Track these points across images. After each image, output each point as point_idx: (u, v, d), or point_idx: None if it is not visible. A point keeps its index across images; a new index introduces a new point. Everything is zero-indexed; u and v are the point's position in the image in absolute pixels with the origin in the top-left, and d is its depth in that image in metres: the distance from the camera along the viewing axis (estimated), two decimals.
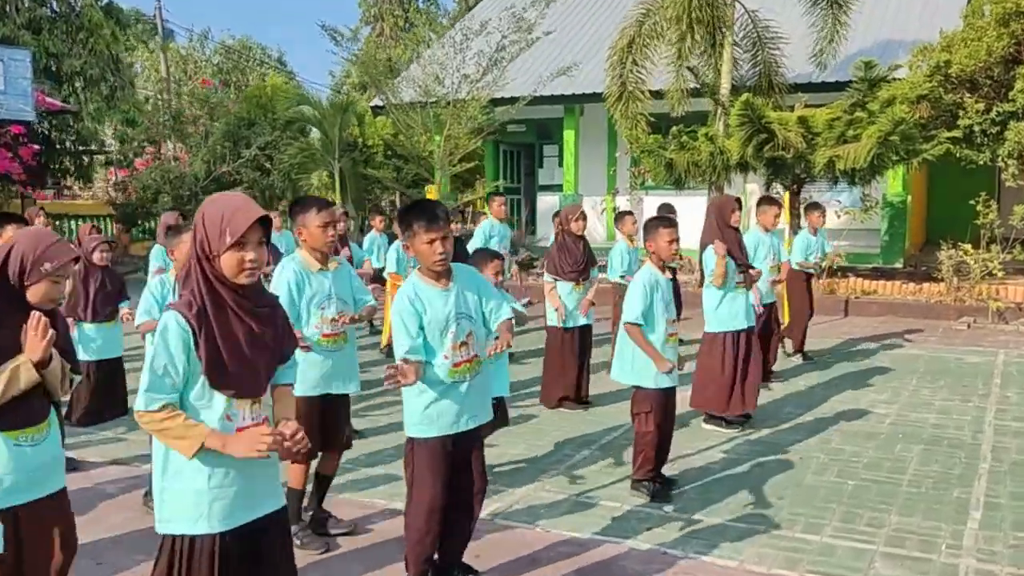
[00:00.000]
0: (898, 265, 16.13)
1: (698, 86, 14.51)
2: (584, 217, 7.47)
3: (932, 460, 5.97)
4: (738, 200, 6.80)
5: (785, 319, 9.92)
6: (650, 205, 18.23)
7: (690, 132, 13.58)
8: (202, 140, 16.76)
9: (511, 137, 22.10)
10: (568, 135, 19.67)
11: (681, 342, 5.38)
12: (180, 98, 18.94)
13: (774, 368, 8.45)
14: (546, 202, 20.77)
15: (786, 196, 12.83)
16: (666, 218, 5.35)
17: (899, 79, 13.24)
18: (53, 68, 16.56)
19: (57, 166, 17.94)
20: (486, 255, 5.13)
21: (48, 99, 14.88)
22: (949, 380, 8.40)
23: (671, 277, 5.30)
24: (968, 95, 12.93)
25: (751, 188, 15.84)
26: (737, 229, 6.73)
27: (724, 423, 6.72)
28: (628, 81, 14.84)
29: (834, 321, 12.25)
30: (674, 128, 13.84)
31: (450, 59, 15.18)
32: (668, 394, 5.18)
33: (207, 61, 40.66)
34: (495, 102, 16.95)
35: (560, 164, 20.42)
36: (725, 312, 6.60)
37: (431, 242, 3.57)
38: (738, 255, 6.68)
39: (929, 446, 6.29)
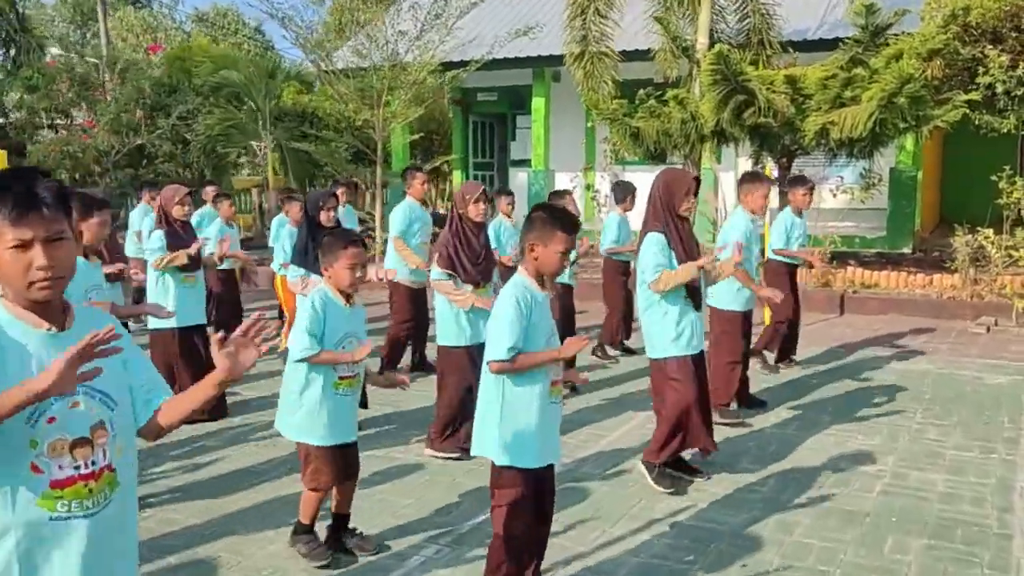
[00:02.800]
0: (906, 250, 14.03)
1: (668, 40, 12.32)
2: (485, 199, 5.46)
3: (938, 570, 3.95)
4: (696, 179, 4.75)
5: (766, 322, 7.91)
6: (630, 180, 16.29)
7: (660, 96, 11.49)
8: (122, 109, 14.74)
9: (482, 107, 20.01)
10: (537, 103, 17.54)
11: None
12: (83, 60, 16.82)
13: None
14: (520, 179, 18.71)
15: (767, 171, 10.70)
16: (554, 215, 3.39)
17: (908, 33, 11.04)
18: None
19: None
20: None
21: None
22: (965, 413, 6.35)
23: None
24: (990, 48, 10.72)
25: (743, 163, 13.77)
26: (686, 219, 4.73)
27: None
28: (591, 36, 12.73)
29: (826, 321, 10.19)
30: (641, 91, 11.73)
31: (383, 14, 13.09)
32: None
33: (178, 29, 38.51)
34: (447, 66, 14.82)
35: None
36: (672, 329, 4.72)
37: None
38: (684, 254, 4.70)
39: (935, 540, 4.26)
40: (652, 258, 4.64)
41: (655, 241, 4.66)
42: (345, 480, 3.98)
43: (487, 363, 3.24)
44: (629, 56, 14.03)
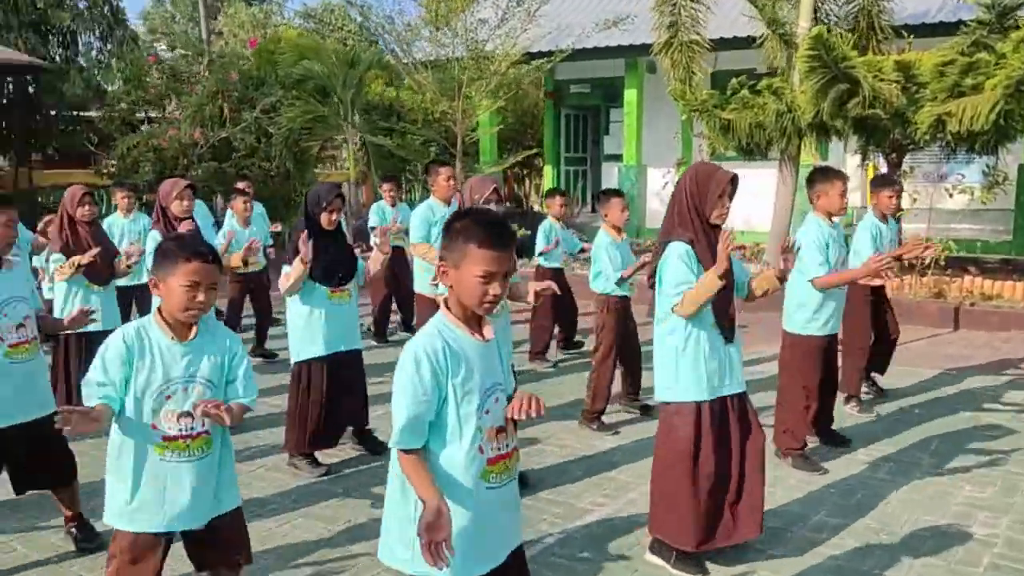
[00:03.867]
0: None
1: (766, 25, 11.29)
2: (499, 199, 4.80)
3: None
4: (734, 179, 3.87)
5: None
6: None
7: (753, 86, 10.53)
8: (205, 102, 14.75)
9: (574, 99, 19.31)
10: (630, 95, 16.70)
11: None
12: (174, 52, 16.92)
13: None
14: (611, 174, 17.91)
15: (870, 169, 9.60)
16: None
17: None
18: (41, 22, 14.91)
19: (22, 130, 16.25)
20: None
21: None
22: None
23: None
24: None
25: (851, 159, 12.58)
26: (719, 227, 3.86)
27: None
28: (681, 22, 11.82)
29: (936, 338, 9.04)
30: (734, 80, 10.80)
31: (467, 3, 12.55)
32: None
33: (286, 25, 39.20)
34: (533, 56, 14.18)
35: None
36: (692, 367, 3.79)
37: None
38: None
39: None
40: (674, 274, 3.66)
41: (678, 252, 3.67)
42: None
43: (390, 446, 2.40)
44: (726, 44, 13.06)
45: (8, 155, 17.46)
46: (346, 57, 14.43)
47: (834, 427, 5.63)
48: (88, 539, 3.98)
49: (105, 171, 15.53)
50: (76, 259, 5.46)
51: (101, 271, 5.64)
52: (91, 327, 5.40)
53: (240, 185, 9.07)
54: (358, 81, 14.40)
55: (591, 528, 4.31)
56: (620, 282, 5.85)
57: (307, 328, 4.97)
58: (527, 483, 4.74)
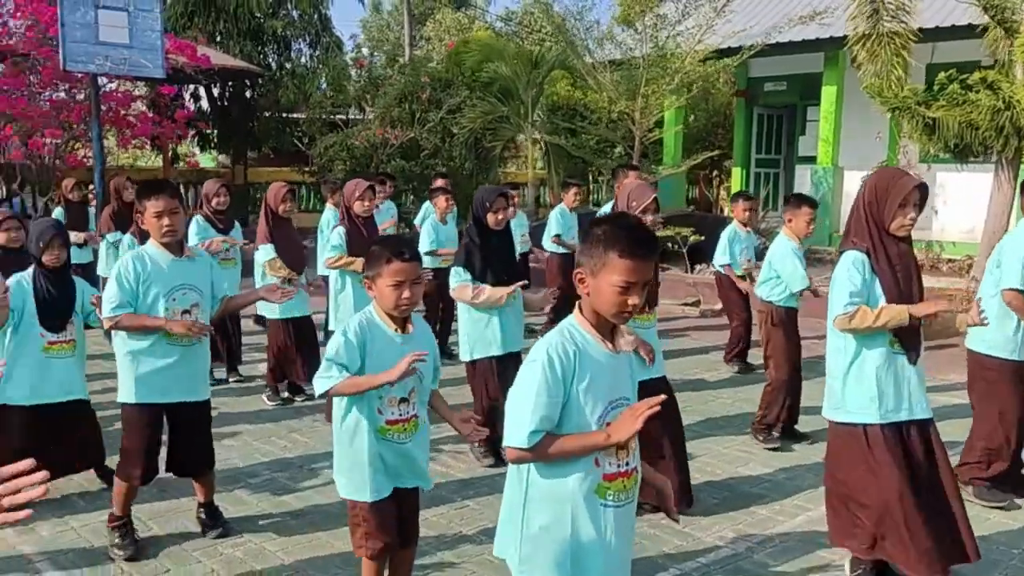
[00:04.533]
0: None
1: (985, 12, 10.08)
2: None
3: None
4: (921, 187, 3.37)
5: None
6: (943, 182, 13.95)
7: (964, 80, 9.45)
8: (393, 104, 15.38)
9: (768, 98, 18.31)
10: (828, 92, 15.57)
11: None
12: (371, 58, 17.76)
13: None
14: (804, 177, 16.85)
15: None
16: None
17: None
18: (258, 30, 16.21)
19: (240, 130, 17.66)
20: None
21: (214, 58, 14.29)
22: None
23: None
24: None
25: None
26: (904, 239, 3.47)
27: None
28: (884, 11, 10.81)
29: None
30: (941, 74, 9.74)
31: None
32: None
33: (487, 29, 40.28)
34: (721, 53, 13.56)
35: None
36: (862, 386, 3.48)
37: None
38: (893, 286, 3.45)
39: None
40: (844, 285, 3.43)
41: (852, 261, 3.45)
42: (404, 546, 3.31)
43: (504, 449, 2.35)
44: (942, 34, 11.86)
45: (228, 153, 19.10)
46: (529, 58, 14.49)
47: None
48: (215, 525, 4.12)
49: (307, 169, 16.56)
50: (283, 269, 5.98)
51: (296, 263, 6.11)
52: (295, 313, 6.16)
53: (440, 183, 9.16)
54: (541, 81, 14.41)
55: (711, 568, 3.94)
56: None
57: (480, 329, 5.04)
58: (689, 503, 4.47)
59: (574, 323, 2.34)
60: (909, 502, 3.42)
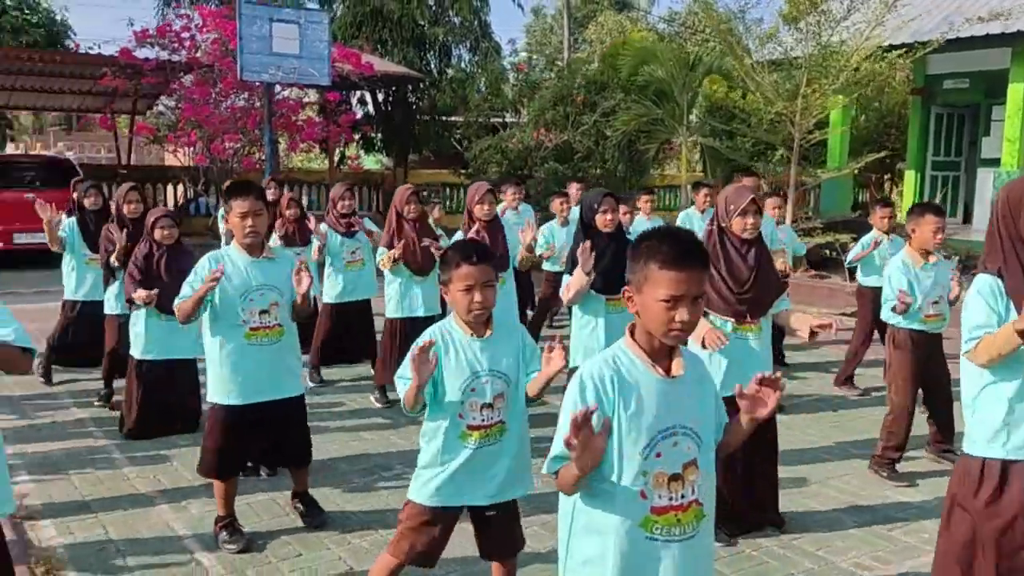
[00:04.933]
0: None
1: None
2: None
3: None
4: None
5: None
6: None
7: None
8: (547, 107, 15.51)
9: (949, 96, 17.06)
10: (1015, 91, 14.33)
11: None
12: (529, 62, 17.94)
13: None
14: (986, 182, 15.58)
15: None
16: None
17: None
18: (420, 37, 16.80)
19: (402, 133, 18.21)
20: None
21: (377, 65, 14.89)
22: None
23: None
24: None
25: None
26: None
27: None
28: None
29: None
30: None
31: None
32: None
33: (650, 30, 39.81)
34: (893, 48, 12.77)
35: None
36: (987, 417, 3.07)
37: None
38: None
39: None
40: (972, 314, 2.95)
41: (980, 287, 2.96)
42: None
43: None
44: None
45: (390, 156, 19.90)
46: (686, 60, 14.21)
47: None
48: (311, 515, 4.26)
49: (463, 171, 16.99)
50: (392, 253, 6.01)
51: (423, 263, 6.12)
52: (418, 312, 6.15)
53: (574, 187, 9.20)
54: (697, 84, 14.10)
55: None
56: (900, 311, 5.05)
57: (585, 334, 4.90)
58: (779, 524, 4.27)
59: (622, 346, 2.23)
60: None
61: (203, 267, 3.91)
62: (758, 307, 4.11)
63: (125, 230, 6.00)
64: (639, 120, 14.43)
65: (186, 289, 3.91)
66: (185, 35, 13.46)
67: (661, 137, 15.29)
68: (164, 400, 5.50)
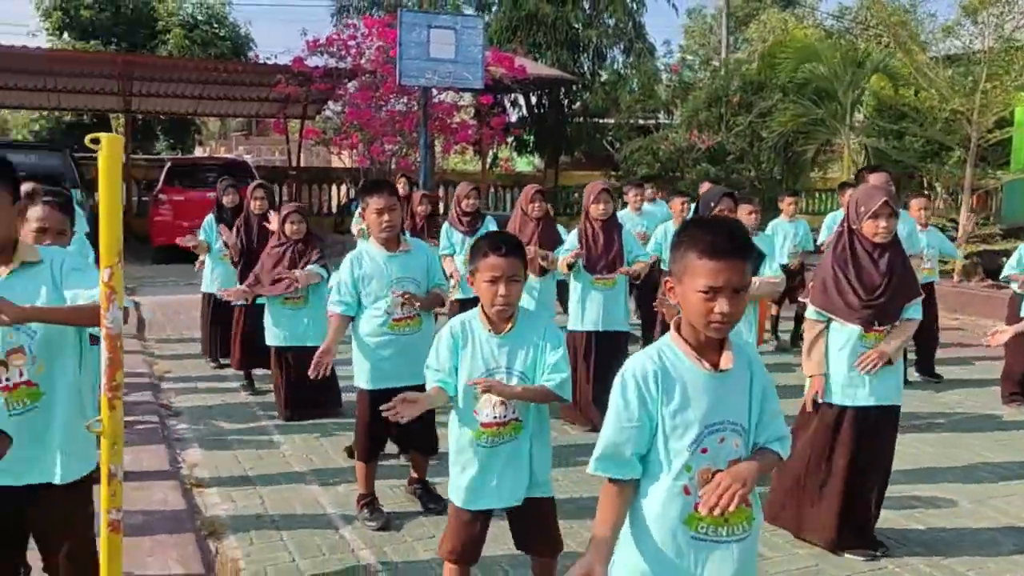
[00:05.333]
0: None
1: None
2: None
3: None
4: None
5: None
6: None
7: None
8: (701, 107, 15.20)
9: None
10: None
11: None
12: (683, 62, 17.59)
13: None
14: None
15: None
16: None
17: None
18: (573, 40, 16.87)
19: (554, 135, 18.29)
20: None
21: (530, 68, 15.06)
22: None
23: None
24: None
25: None
26: None
27: None
28: None
29: None
30: None
31: None
32: None
33: (816, 27, 38.20)
34: None
35: None
36: None
37: None
38: None
39: None
40: None
41: None
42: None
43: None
44: None
45: (542, 157, 20.16)
46: (853, 57, 13.57)
47: None
48: (432, 501, 4.41)
49: (613, 173, 16.98)
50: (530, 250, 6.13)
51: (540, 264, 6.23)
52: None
53: (706, 186, 9.11)
54: (864, 82, 13.44)
55: None
56: None
57: None
58: (880, 545, 4.00)
59: (667, 341, 2.17)
60: None
61: (346, 269, 4.16)
62: (887, 314, 3.90)
63: (235, 229, 6.52)
64: (797, 120, 13.92)
65: (334, 294, 4.19)
66: (351, 43, 14.20)
67: (821, 138, 14.68)
68: (305, 385, 5.60)
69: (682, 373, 2.12)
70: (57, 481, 2.57)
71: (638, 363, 2.15)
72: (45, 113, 24.96)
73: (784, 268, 8.09)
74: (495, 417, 2.94)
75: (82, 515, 2.68)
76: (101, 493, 2.34)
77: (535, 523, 3.07)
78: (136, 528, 3.88)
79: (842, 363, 3.89)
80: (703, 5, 38.00)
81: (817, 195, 18.87)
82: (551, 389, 2.93)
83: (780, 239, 8.23)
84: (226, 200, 7.27)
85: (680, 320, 2.17)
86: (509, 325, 2.96)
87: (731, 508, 2.02)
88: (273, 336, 5.92)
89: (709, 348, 2.13)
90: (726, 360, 2.11)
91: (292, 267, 5.67)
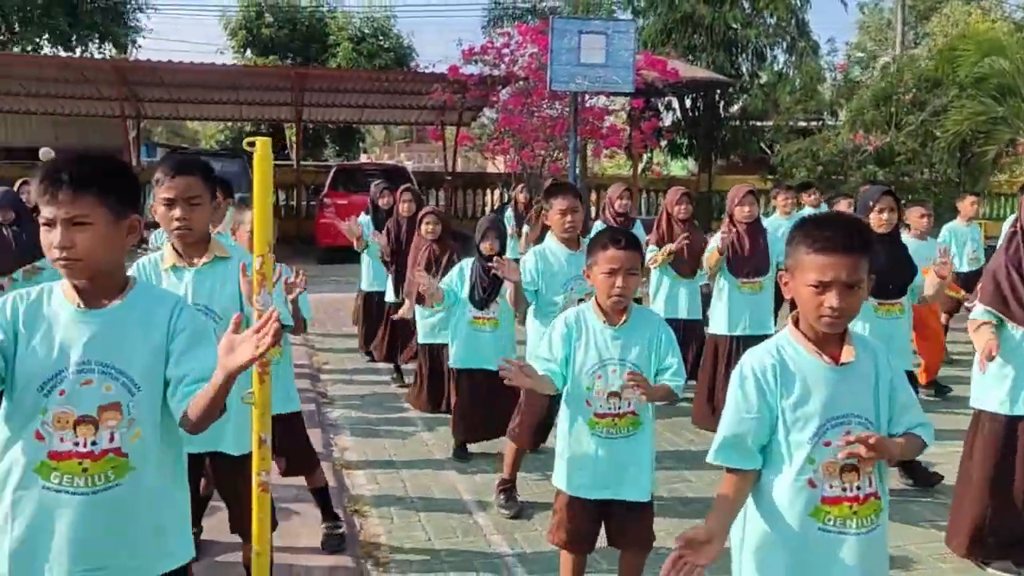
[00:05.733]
0: None
1: None
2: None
3: None
4: None
5: None
6: None
7: None
8: (867, 107, 14.45)
9: None
10: None
11: None
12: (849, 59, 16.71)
13: None
14: None
15: None
16: None
17: None
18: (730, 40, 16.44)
19: (708, 138, 17.93)
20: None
21: (683, 71, 14.77)
22: None
23: None
24: None
25: None
26: None
27: None
28: None
29: None
30: None
31: None
32: None
33: (1005, 19, 35.52)
34: None
35: None
36: None
37: None
38: None
39: None
40: None
41: None
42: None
43: None
44: None
45: (696, 161, 19.84)
46: None
47: None
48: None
49: (770, 176, 16.47)
50: (667, 247, 6.11)
51: (688, 265, 6.17)
52: (680, 314, 6.16)
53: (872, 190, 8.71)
54: None
55: None
56: None
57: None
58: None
59: (785, 335, 2.20)
60: None
61: (531, 260, 4.29)
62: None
63: (385, 230, 6.88)
64: (975, 119, 12.99)
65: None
66: (505, 51, 14.53)
67: (1003, 138, 13.64)
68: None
69: (801, 367, 2.14)
70: None
71: (756, 357, 2.19)
72: (229, 124, 27.05)
73: (963, 275, 7.57)
74: (609, 408, 2.99)
75: None
76: (252, 458, 2.58)
77: (634, 520, 3.07)
78: (290, 500, 4.21)
79: (1014, 369, 3.66)
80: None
81: (1002, 199, 17.53)
82: (672, 389, 3.02)
83: (957, 243, 7.80)
84: (381, 202, 7.64)
85: (798, 315, 2.20)
86: (624, 318, 3.01)
87: (863, 454, 2.02)
88: (421, 334, 5.81)
89: (829, 342, 2.14)
90: (847, 353, 2.12)
91: (428, 267, 5.85)
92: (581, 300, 3.66)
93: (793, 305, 2.29)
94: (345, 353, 8.14)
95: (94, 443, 1.92)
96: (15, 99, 18.08)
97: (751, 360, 2.19)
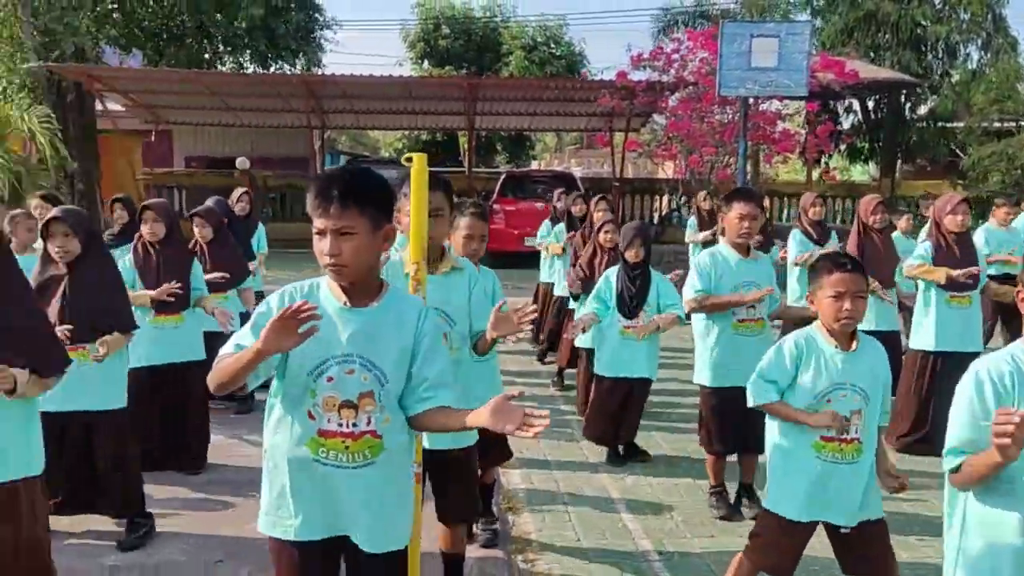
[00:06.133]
0: None
1: None
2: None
3: None
4: None
5: None
6: None
7: None
8: None
9: None
10: None
11: None
12: None
13: None
14: None
15: None
16: None
17: None
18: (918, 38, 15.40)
19: (891, 142, 16.85)
20: None
21: (863, 72, 13.95)
22: None
23: None
24: None
25: None
26: None
27: None
28: None
29: None
30: None
31: None
32: None
33: None
34: None
35: None
36: None
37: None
38: None
39: None
40: None
41: None
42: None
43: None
44: None
45: (878, 165, 18.80)
46: None
47: None
48: (752, 501, 4.46)
49: (959, 181, 15.40)
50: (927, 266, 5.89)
51: (882, 276, 5.76)
52: (881, 326, 5.87)
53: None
54: None
55: None
56: None
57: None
58: None
59: (1020, 345, 2.23)
60: None
61: (706, 262, 4.38)
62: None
63: (580, 235, 7.02)
64: None
65: (700, 284, 4.35)
66: (675, 56, 14.42)
67: None
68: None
69: None
70: (369, 550, 2.30)
71: (992, 364, 2.22)
72: (406, 133, 28.34)
73: None
74: (836, 432, 2.97)
75: None
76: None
77: (866, 545, 3.02)
78: None
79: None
80: None
81: None
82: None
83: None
84: (575, 210, 7.82)
85: None
86: (855, 343, 3.02)
87: None
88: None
89: None
90: None
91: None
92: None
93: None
94: (507, 355, 8.40)
95: (354, 424, 2.24)
96: (219, 113, 19.82)
97: (987, 367, 2.21)
